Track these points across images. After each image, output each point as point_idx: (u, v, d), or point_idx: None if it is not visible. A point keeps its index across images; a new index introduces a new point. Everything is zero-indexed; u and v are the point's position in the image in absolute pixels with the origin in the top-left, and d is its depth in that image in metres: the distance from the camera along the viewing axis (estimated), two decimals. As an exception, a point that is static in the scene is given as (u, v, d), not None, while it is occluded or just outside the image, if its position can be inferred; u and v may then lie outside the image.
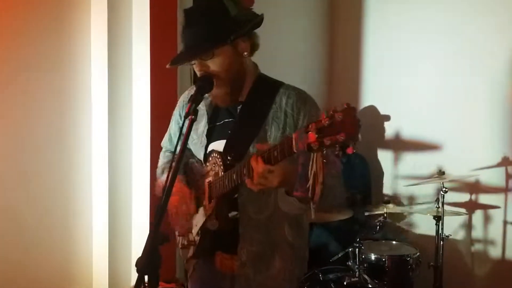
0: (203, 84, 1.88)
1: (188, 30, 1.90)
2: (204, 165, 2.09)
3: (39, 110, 2.92)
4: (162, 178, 2.22)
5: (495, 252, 3.94)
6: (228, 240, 2.01)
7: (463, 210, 3.89)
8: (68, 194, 3.06)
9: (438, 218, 3.62)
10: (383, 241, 3.73)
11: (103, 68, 2.97)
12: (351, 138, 1.36)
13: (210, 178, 2.02)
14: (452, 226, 3.90)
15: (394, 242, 3.71)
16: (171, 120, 2.34)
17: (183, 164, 2.24)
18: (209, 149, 2.07)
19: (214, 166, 1.98)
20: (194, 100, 1.80)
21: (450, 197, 3.70)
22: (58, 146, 3.00)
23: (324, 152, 1.48)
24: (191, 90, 2.20)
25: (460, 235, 4.04)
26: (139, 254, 1.46)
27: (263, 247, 2.02)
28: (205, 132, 2.10)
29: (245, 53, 1.96)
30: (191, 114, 1.75)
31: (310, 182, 1.55)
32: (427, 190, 4.06)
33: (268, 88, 2.04)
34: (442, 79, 4.15)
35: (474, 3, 3.97)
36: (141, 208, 3.09)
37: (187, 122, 1.78)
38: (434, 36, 4.16)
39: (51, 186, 2.98)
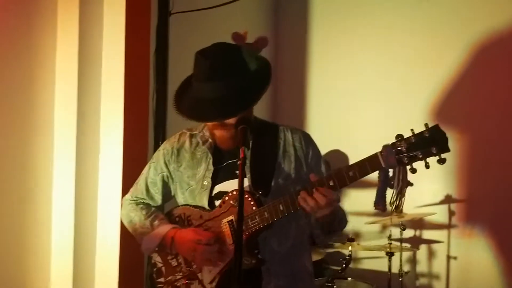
0: (248, 130, 1.88)
1: (218, 82, 1.89)
2: (208, 208, 2.05)
3: None
4: (161, 230, 2.09)
5: (439, 286, 4.12)
6: (249, 282, 1.93)
7: (408, 245, 4.05)
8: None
9: (391, 254, 3.74)
10: (337, 280, 3.76)
11: (71, 104, 2.81)
12: (443, 149, 1.64)
13: (231, 217, 1.98)
14: (396, 261, 4.02)
15: (349, 279, 3.76)
16: (147, 169, 2.23)
17: (154, 216, 2.16)
18: (215, 191, 2.05)
19: (236, 203, 1.93)
20: (245, 143, 1.83)
21: (395, 233, 3.82)
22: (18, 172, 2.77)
23: (409, 167, 1.70)
24: (178, 137, 2.18)
25: (405, 269, 4.17)
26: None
27: (289, 280, 2.02)
28: (208, 175, 2.06)
29: None
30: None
31: (395, 194, 1.73)
32: (374, 227, 4.18)
33: (267, 127, 2.15)
34: (384, 115, 4.37)
35: (406, 47, 4.30)
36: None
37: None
38: (374, 74, 4.43)
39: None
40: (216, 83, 1.88)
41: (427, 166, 1.68)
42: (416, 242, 4.18)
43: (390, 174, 1.79)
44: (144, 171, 2.24)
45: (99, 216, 2.93)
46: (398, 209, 1.74)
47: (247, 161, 2.01)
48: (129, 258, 2.96)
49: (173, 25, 3.41)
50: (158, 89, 3.34)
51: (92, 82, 2.86)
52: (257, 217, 1.90)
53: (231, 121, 1.92)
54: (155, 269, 2.15)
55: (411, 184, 1.74)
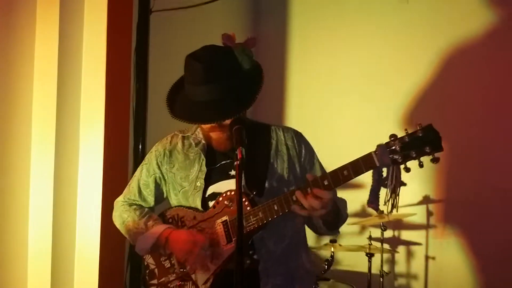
0: (242, 127, 1.85)
1: (212, 85, 1.87)
2: (201, 209, 2.03)
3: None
4: (156, 230, 2.06)
5: (417, 286, 4.16)
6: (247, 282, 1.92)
7: (387, 246, 4.06)
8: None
9: (371, 255, 3.75)
10: (319, 281, 3.75)
11: (51, 104, 2.71)
12: (436, 148, 1.66)
13: (225, 218, 1.97)
14: (377, 262, 4.04)
15: (331, 281, 3.75)
16: (139, 171, 2.22)
17: (148, 216, 2.15)
18: (209, 192, 2.04)
19: (231, 204, 1.95)
20: (242, 144, 1.78)
21: (374, 233, 3.84)
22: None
23: (403, 166, 1.71)
24: (170, 139, 2.19)
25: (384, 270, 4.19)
26: None
27: (287, 279, 2.01)
28: (201, 176, 2.05)
29: None
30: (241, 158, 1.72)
31: (389, 193, 1.74)
32: (352, 227, 4.19)
33: (260, 128, 2.15)
34: (360, 115, 4.41)
35: (383, 49, 4.35)
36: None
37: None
38: (351, 74, 4.46)
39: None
40: (210, 86, 1.87)
41: (421, 165, 1.69)
42: (395, 242, 4.21)
43: (384, 173, 1.79)
44: (136, 173, 2.24)
45: (79, 218, 2.84)
46: (393, 208, 1.76)
47: None
48: (110, 262, 2.88)
49: (153, 24, 3.35)
50: (138, 89, 3.27)
51: (72, 81, 2.78)
52: (251, 217, 1.90)
53: (229, 121, 1.91)
54: (147, 271, 2.13)
55: (404, 184, 1.75)
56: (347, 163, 1.78)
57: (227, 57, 1.93)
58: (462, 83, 4.09)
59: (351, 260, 4.24)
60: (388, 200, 1.77)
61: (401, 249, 4.21)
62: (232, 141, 1.89)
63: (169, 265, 2.07)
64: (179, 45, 3.64)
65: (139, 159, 3.25)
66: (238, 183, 1.63)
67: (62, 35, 2.71)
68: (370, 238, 3.77)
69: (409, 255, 4.20)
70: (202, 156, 2.07)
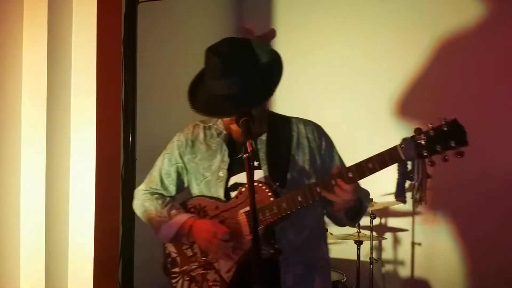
0: (250, 122, 1.85)
1: (232, 79, 1.88)
2: (224, 199, 2.06)
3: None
4: (180, 218, 2.10)
5: (404, 272, 4.23)
6: (266, 273, 1.93)
7: (375, 233, 4.12)
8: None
9: (359, 243, 3.80)
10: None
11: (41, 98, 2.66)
12: (462, 143, 1.67)
13: (248, 208, 1.98)
14: (365, 249, 4.09)
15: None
16: (161, 160, 2.25)
17: (171, 205, 2.18)
18: (231, 182, 2.07)
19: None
20: (251, 136, 1.79)
21: (362, 221, 3.87)
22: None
23: (427, 160, 1.73)
24: (192, 129, 2.20)
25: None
26: None
27: (307, 269, 2.04)
28: (223, 167, 2.07)
29: None
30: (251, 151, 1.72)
31: (417, 186, 1.78)
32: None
33: (281, 120, 2.18)
34: (350, 108, 4.44)
35: (372, 41, 4.39)
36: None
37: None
38: (339, 67, 4.48)
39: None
40: (230, 80, 1.88)
41: (446, 159, 1.71)
42: (382, 230, 4.27)
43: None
44: (158, 162, 2.26)
45: (72, 213, 2.80)
46: (422, 201, 1.78)
47: (263, 154, 2.04)
48: (104, 259, 2.85)
49: (141, 14, 3.30)
50: (127, 81, 3.23)
51: (62, 73, 2.71)
52: (275, 207, 1.93)
53: None
54: (169, 259, 2.16)
55: (430, 176, 1.77)
56: (372, 156, 1.81)
57: (245, 51, 1.93)
58: (453, 72, 4.13)
59: (341, 248, 4.28)
60: (416, 194, 1.81)
61: (388, 236, 4.27)
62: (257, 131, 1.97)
63: (191, 253, 2.10)
64: (166, 35, 3.60)
65: (129, 151, 3.23)
66: (250, 176, 1.64)
67: (51, 28, 2.65)
68: (358, 226, 3.82)
69: (396, 241, 4.27)
70: (224, 147, 2.10)
